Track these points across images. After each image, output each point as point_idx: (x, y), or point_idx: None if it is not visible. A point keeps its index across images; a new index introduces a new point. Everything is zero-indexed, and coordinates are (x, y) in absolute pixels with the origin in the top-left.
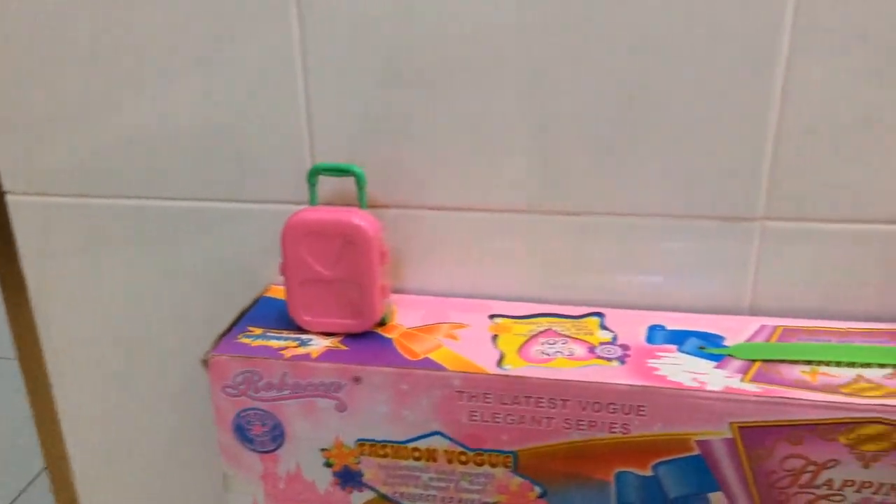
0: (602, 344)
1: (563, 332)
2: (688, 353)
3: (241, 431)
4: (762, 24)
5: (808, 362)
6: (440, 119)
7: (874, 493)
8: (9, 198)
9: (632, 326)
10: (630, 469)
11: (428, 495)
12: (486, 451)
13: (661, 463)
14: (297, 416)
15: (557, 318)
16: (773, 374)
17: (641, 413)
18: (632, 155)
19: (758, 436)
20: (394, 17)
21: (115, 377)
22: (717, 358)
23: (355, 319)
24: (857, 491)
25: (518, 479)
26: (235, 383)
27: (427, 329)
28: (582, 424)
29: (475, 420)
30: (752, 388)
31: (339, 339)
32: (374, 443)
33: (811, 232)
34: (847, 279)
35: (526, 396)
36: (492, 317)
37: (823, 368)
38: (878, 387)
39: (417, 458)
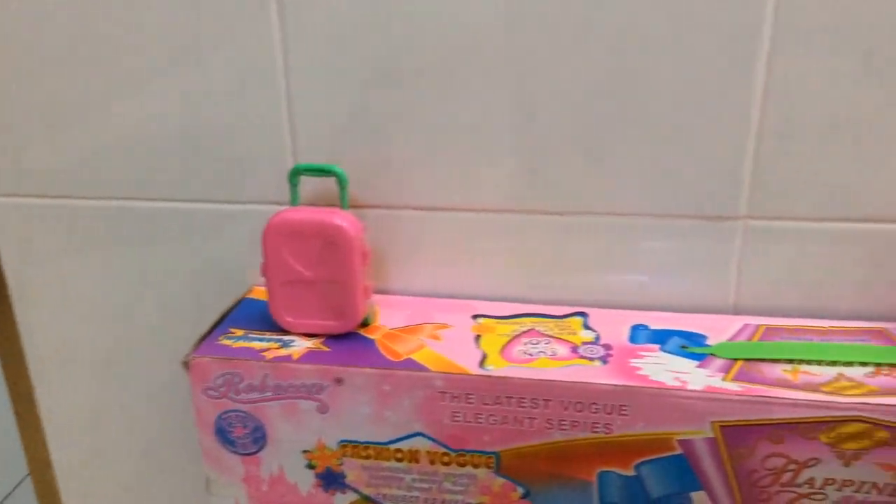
0: (585, 344)
1: (546, 332)
2: (670, 352)
3: (223, 434)
4: (743, 24)
5: (790, 361)
6: (423, 119)
7: (855, 492)
8: None
9: (615, 326)
10: (612, 469)
11: (411, 496)
12: (468, 451)
13: (643, 462)
14: (279, 418)
15: (541, 318)
16: (754, 373)
17: (623, 413)
18: (614, 154)
19: (739, 435)
20: (376, 17)
21: (99, 380)
22: (700, 357)
23: (337, 320)
24: (839, 489)
25: (501, 480)
26: (216, 385)
27: (410, 330)
28: (564, 424)
29: (457, 421)
30: (734, 387)
31: (322, 340)
32: (356, 444)
33: (794, 231)
34: (829, 277)
35: (508, 397)
36: (475, 317)
37: (805, 367)
38: (859, 385)
39: (400, 460)
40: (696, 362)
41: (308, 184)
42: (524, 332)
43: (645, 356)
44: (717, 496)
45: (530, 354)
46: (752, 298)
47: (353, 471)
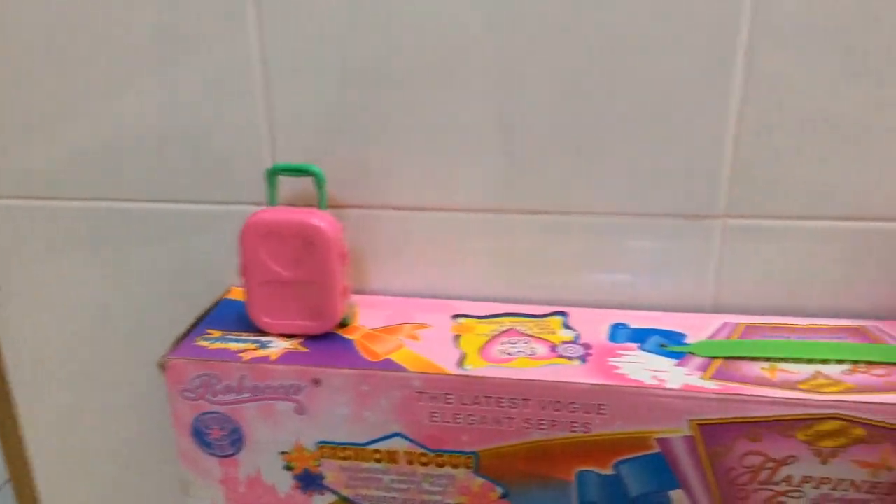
0: (564, 343)
1: (525, 332)
2: (649, 351)
3: (200, 435)
4: (722, 24)
5: (768, 359)
6: (402, 118)
7: (833, 489)
8: None
9: (595, 325)
10: (591, 468)
11: (390, 497)
12: (447, 451)
13: (622, 461)
14: (256, 420)
15: (520, 318)
16: (732, 371)
17: (602, 412)
18: (594, 154)
19: (717, 433)
20: (355, 17)
21: (77, 382)
22: (678, 356)
23: (315, 321)
24: (816, 487)
25: (479, 480)
26: (193, 387)
27: (389, 330)
28: (543, 424)
29: (436, 421)
30: (712, 385)
31: (300, 341)
32: (334, 445)
33: (773, 229)
34: (808, 275)
35: (486, 396)
36: (455, 317)
37: (783, 365)
38: (836, 383)
39: (378, 460)
40: (674, 361)
41: (288, 184)
42: (504, 332)
43: (624, 355)
44: (696, 494)
45: (509, 354)
46: (732, 296)
47: (331, 472)
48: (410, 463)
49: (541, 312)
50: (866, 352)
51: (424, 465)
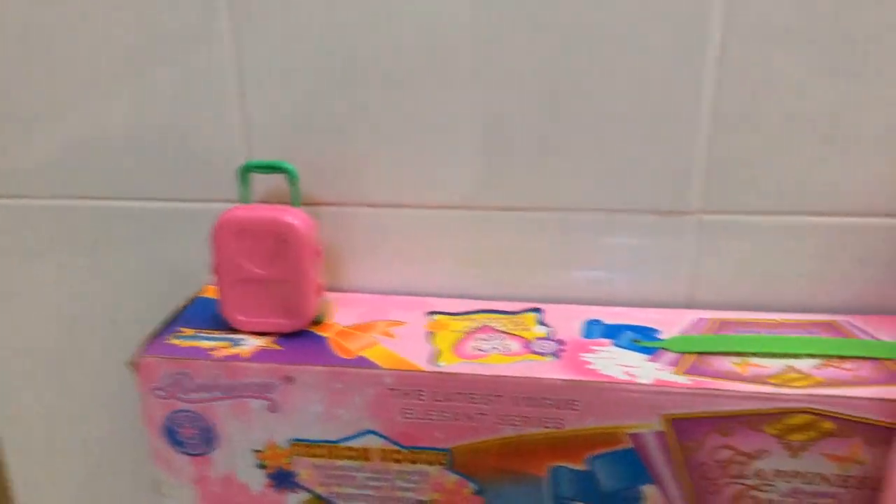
0: (538, 339)
1: (499, 329)
2: (622, 346)
3: (172, 434)
4: (695, 20)
5: (740, 354)
6: (377, 116)
7: (804, 483)
8: None
9: (569, 321)
10: (564, 463)
11: (363, 495)
12: (420, 448)
13: (594, 457)
14: (229, 418)
15: (495, 315)
16: (704, 366)
17: (574, 407)
18: (568, 150)
19: (688, 428)
20: (329, 15)
21: (50, 381)
22: (651, 351)
23: (289, 319)
24: (787, 481)
25: (453, 477)
26: (164, 385)
27: (363, 327)
28: (515, 420)
29: (409, 418)
30: (683, 380)
31: (273, 338)
32: (308, 443)
33: (746, 225)
34: (781, 271)
35: (459, 393)
36: (430, 314)
37: (755, 360)
38: (807, 377)
39: (352, 458)
40: (647, 356)
41: (262, 182)
42: (478, 329)
43: (597, 351)
44: (668, 489)
45: (483, 350)
46: (707, 292)
47: (304, 470)
48: (384, 460)
49: (516, 309)
50: (837, 346)
51: (398, 462)
